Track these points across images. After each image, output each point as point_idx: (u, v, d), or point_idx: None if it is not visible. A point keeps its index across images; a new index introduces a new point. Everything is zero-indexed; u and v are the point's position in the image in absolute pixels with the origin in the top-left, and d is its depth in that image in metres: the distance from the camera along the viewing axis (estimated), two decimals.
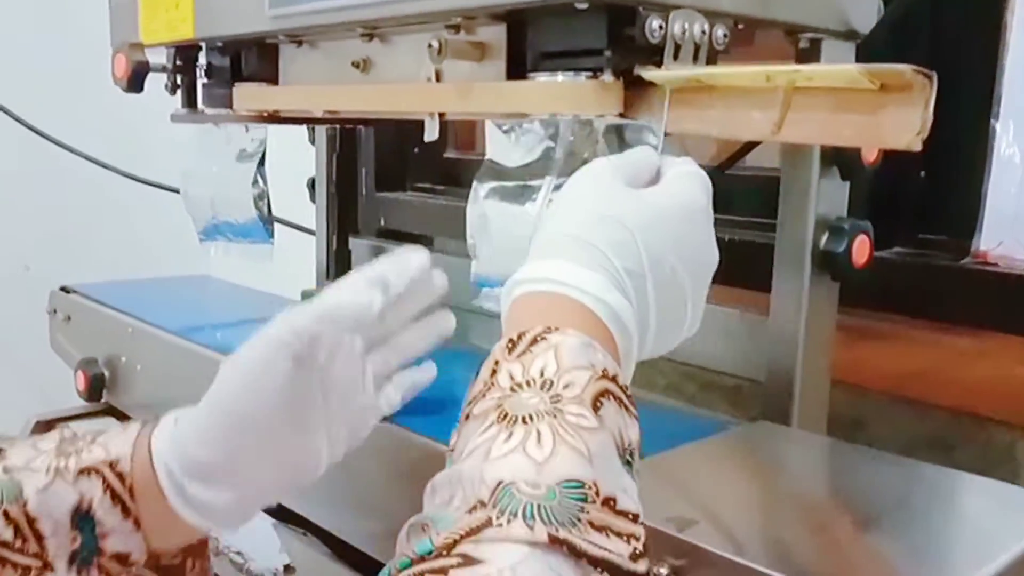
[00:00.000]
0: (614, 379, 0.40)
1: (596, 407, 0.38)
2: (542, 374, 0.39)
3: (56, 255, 1.48)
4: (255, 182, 0.85)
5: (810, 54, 0.58)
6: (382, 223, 1.21)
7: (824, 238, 0.60)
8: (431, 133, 0.58)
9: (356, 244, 1.06)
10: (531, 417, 0.37)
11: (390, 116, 0.62)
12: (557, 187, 0.53)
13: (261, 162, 0.85)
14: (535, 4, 0.47)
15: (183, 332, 0.81)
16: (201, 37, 0.73)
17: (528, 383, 0.38)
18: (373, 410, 0.57)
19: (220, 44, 0.75)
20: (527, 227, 0.54)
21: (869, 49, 0.60)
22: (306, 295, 1.03)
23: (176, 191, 1.29)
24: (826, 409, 0.65)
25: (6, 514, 0.48)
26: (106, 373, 0.90)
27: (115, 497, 0.50)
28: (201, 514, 0.51)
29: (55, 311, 1.00)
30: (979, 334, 0.73)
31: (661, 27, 0.46)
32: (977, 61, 0.74)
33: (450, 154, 1.23)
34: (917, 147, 0.40)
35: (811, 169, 0.59)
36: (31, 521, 0.49)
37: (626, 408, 0.39)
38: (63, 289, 1.00)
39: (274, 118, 0.73)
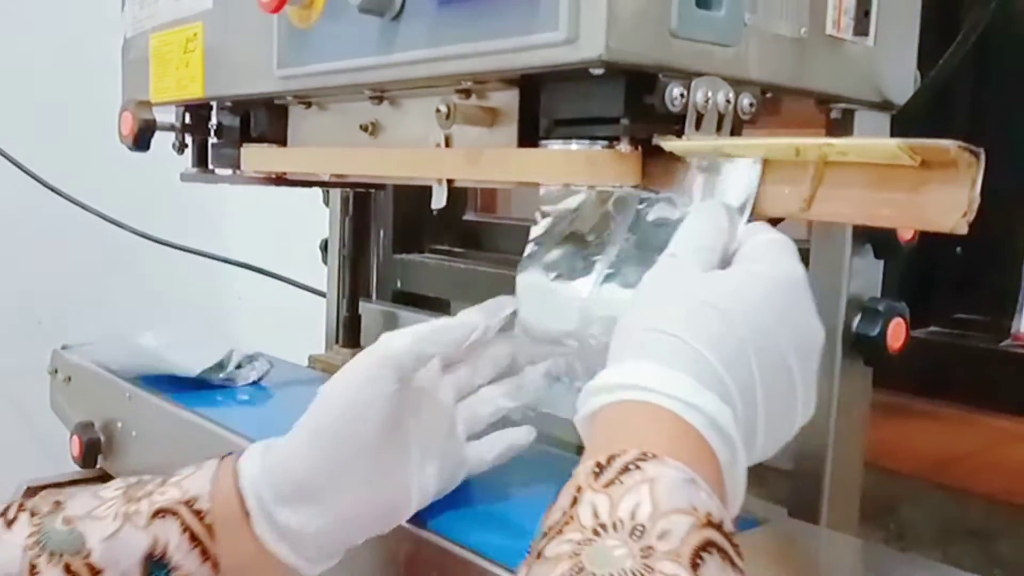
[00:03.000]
0: (719, 527, 0.33)
1: (696, 564, 0.32)
2: (633, 516, 0.32)
3: (69, 311, 1.47)
4: None
5: (842, 125, 0.55)
6: (398, 285, 1.19)
7: (857, 320, 0.56)
8: (438, 200, 0.55)
9: (366, 308, 1.03)
10: None
11: (397, 181, 0.60)
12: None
13: None
14: (549, 69, 0.45)
15: (181, 399, 0.78)
16: (211, 96, 0.72)
17: (615, 525, 0.32)
18: (462, 460, 0.55)
19: (230, 104, 0.74)
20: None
21: (906, 120, 0.57)
22: (313, 360, 1.01)
23: (189, 251, 1.30)
24: (858, 503, 0.61)
25: (67, 567, 0.45)
26: (102, 438, 0.87)
27: (193, 538, 0.47)
28: (291, 544, 0.49)
29: (56, 371, 0.97)
30: (1018, 418, 0.69)
31: (682, 95, 0.43)
32: (1019, 133, 0.72)
33: (470, 216, 1.21)
34: (963, 230, 0.37)
35: (843, 246, 0.56)
36: (95, 573, 0.46)
37: (732, 563, 0.33)
38: (64, 348, 0.97)
39: (282, 180, 0.71)
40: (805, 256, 0.58)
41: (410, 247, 1.19)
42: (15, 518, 0.48)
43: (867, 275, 0.57)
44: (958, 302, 0.78)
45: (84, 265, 1.57)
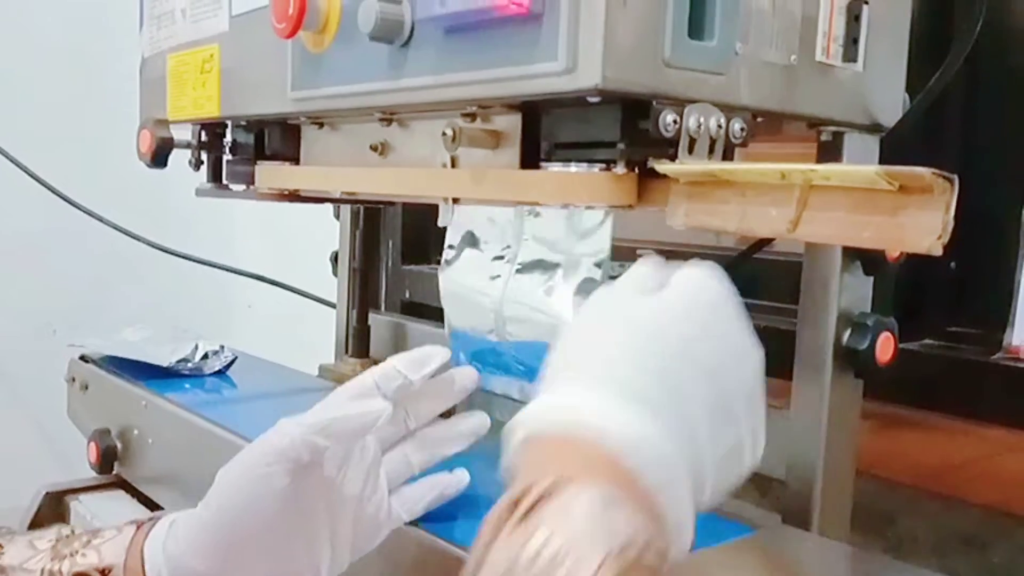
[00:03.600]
0: (639, 550, 0.32)
1: None
2: (539, 554, 0.31)
3: (84, 320, 1.50)
4: None
5: (832, 147, 0.57)
6: (407, 296, 1.21)
7: (847, 334, 0.58)
8: (445, 218, 0.57)
9: (376, 319, 1.05)
10: None
11: (406, 199, 0.62)
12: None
13: None
14: (548, 97, 0.47)
15: (196, 407, 0.81)
16: (226, 116, 0.74)
17: (527, 564, 0.31)
18: (388, 519, 0.55)
19: (244, 123, 0.76)
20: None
21: (895, 141, 0.59)
22: (323, 370, 1.03)
23: (201, 262, 1.32)
24: (849, 511, 0.62)
25: None
26: (118, 445, 0.89)
27: None
28: None
29: (73, 379, 1.00)
30: (1012, 429, 0.71)
31: (675, 121, 0.46)
32: (1010, 151, 0.73)
33: None
34: (938, 251, 0.39)
35: (833, 263, 0.58)
36: None
37: None
38: (82, 358, 1.00)
39: (294, 197, 0.73)
40: (798, 272, 0.61)
41: (419, 258, 1.21)
42: None
43: (856, 291, 0.59)
44: (952, 315, 0.79)
45: (98, 275, 1.60)
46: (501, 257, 0.65)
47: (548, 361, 0.41)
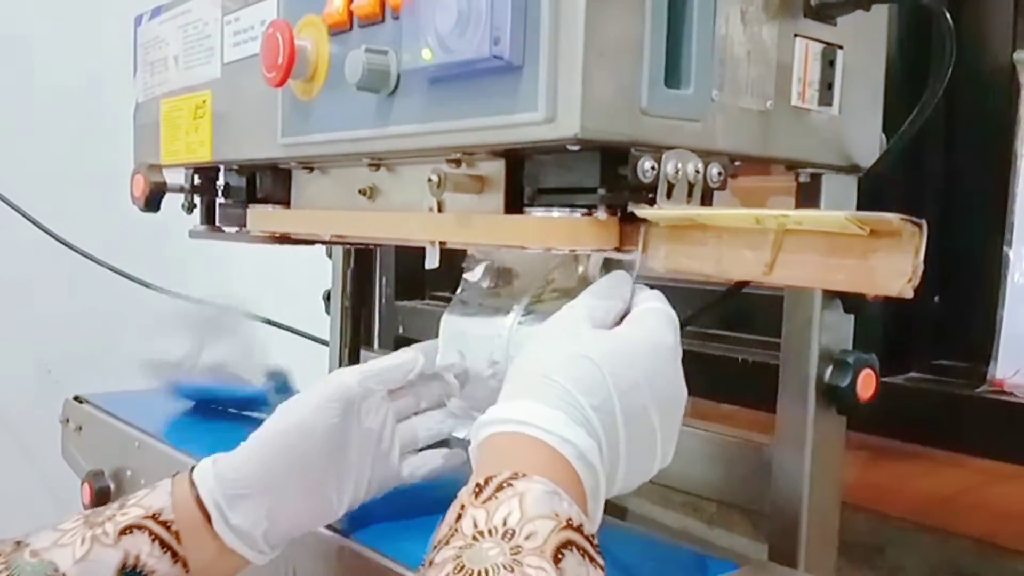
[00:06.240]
0: (579, 529, 0.40)
1: (557, 559, 0.38)
2: (505, 523, 0.39)
3: (78, 360, 1.50)
4: None
5: (811, 188, 0.58)
6: (400, 331, 1.22)
7: (828, 371, 0.59)
8: (431, 261, 0.58)
9: (367, 357, 1.06)
10: (488, 571, 0.37)
11: (394, 243, 0.63)
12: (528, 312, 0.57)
13: None
14: (530, 145, 0.48)
15: (189, 448, 0.81)
16: (218, 160, 0.75)
17: (490, 532, 0.39)
18: (395, 474, 0.64)
19: (236, 167, 0.77)
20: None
21: (873, 181, 0.60)
22: None
23: (195, 301, 1.33)
24: (835, 546, 0.63)
25: None
26: (112, 486, 0.90)
27: (163, 545, 0.54)
28: (245, 541, 0.56)
29: (67, 420, 1.00)
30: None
31: (653, 168, 0.47)
32: (990, 188, 0.74)
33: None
34: (908, 294, 0.40)
35: (814, 301, 0.59)
36: None
37: (591, 558, 0.39)
38: (76, 399, 1.00)
39: (285, 239, 0.74)
40: (779, 309, 0.62)
41: (412, 294, 1.22)
42: None
43: (837, 328, 0.60)
44: (937, 349, 0.80)
45: (93, 315, 1.61)
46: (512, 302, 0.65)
47: (508, 376, 0.49)
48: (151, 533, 0.54)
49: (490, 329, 0.59)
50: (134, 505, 0.55)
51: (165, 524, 0.54)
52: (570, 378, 0.45)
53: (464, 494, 0.42)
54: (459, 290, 0.65)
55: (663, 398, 0.47)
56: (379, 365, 0.63)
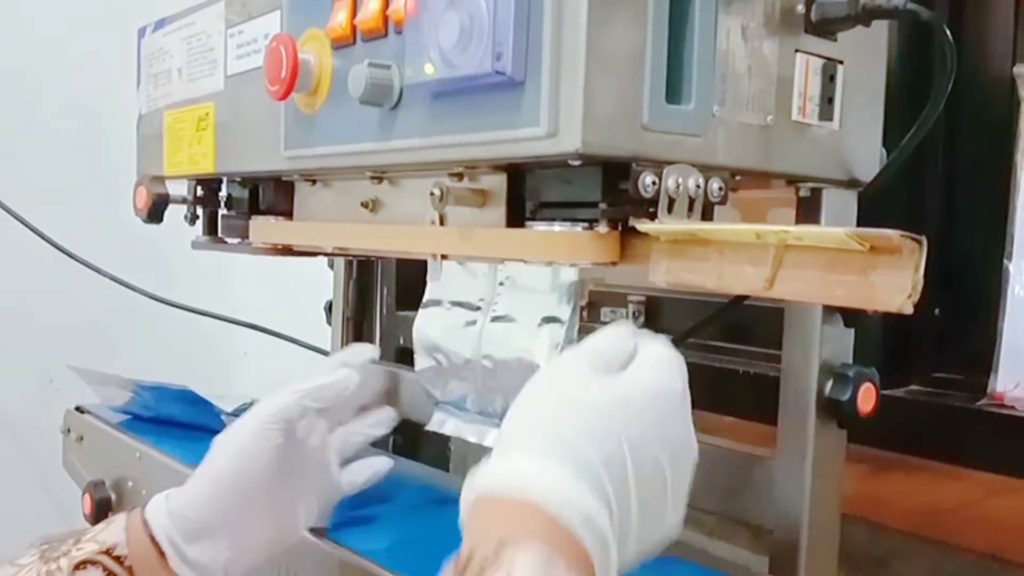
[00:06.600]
0: None
1: None
2: None
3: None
4: None
5: (811, 202, 0.59)
6: (401, 341, 1.22)
7: (829, 385, 0.59)
8: (434, 274, 0.59)
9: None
10: None
11: (396, 255, 0.64)
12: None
13: None
14: (531, 159, 0.48)
15: (189, 459, 0.81)
16: (221, 172, 0.75)
17: None
18: (337, 487, 0.66)
19: (239, 179, 0.77)
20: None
21: (873, 195, 0.60)
22: None
23: (198, 312, 1.33)
24: (836, 559, 0.63)
25: None
26: (113, 496, 0.90)
27: None
28: (202, 574, 0.57)
29: (68, 430, 1.00)
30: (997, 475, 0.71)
31: (654, 182, 0.47)
32: (990, 201, 0.75)
33: None
34: (908, 310, 0.40)
35: (814, 314, 0.59)
36: None
37: None
38: (77, 409, 1.01)
39: (287, 251, 0.75)
40: (780, 321, 0.62)
41: (413, 304, 1.22)
42: None
43: (838, 342, 0.60)
44: (937, 362, 0.80)
45: (95, 326, 1.61)
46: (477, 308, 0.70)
47: (503, 426, 0.44)
48: (105, 568, 0.54)
49: (461, 329, 0.60)
50: (89, 540, 0.56)
51: (118, 560, 0.55)
52: (577, 428, 0.41)
53: (447, 573, 0.37)
54: (426, 295, 0.68)
55: (674, 449, 0.43)
56: (314, 384, 0.64)
